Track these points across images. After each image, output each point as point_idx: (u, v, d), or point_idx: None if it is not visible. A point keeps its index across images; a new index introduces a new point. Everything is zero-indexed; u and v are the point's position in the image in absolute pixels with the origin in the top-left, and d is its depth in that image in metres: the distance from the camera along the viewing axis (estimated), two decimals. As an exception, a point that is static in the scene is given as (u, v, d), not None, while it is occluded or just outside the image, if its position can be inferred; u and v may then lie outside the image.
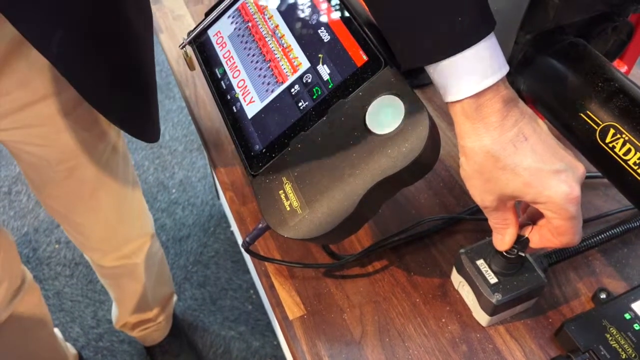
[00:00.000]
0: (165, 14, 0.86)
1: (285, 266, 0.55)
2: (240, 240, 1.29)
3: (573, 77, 0.47)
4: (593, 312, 0.49)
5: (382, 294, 0.54)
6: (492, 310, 0.49)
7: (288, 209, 0.46)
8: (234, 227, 1.36)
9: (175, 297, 1.22)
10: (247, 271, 1.39)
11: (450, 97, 0.39)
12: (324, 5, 0.52)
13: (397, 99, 0.43)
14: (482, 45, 0.37)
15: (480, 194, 0.41)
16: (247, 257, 1.36)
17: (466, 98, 0.38)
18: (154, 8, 0.87)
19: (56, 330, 1.13)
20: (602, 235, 0.54)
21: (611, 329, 0.47)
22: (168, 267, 1.13)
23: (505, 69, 0.39)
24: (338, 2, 0.51)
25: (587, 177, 0.42)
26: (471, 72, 0.37)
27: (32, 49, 0.51)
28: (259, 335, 1.28)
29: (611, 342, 0.46)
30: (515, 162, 0.38)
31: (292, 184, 0.46)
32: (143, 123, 0.68)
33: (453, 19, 0.36)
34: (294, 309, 0.53)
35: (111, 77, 0.61)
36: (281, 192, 0.47)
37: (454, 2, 0.36)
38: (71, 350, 1.20)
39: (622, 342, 0.46)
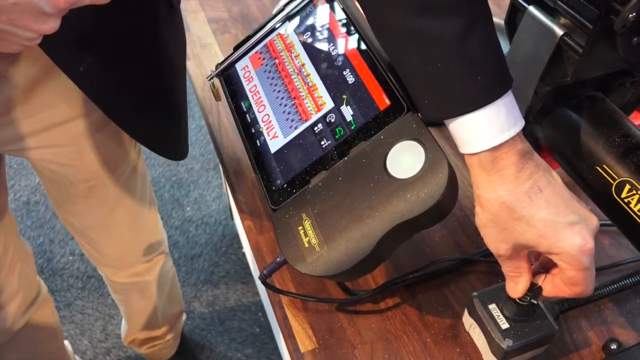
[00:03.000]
0: (193, 41, 0.89)
1: (297, 298, 0.56)
2: (252, 267, 1.31)
3: (590, 130, 0.48)
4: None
5: (394, 331, 0.54)
6: (503, 355, 0.49)
7: (306, 245, 0.47)
8: (249, 253, 1.37)
9: (184, 316, 1.23)
10: (257, 293, 1.40)
11: (466, 150, 0.40)
12: (349, 48, 0.54)
13: (418, 145, 0.45)
14: (499, 102, 0.38)
15: (495, 243, 0.42)
16: (258, 281, 1.37)
17: (483, 151, 0.39)
18: (182, 35, 0.90)
19: (66, 343, 1.15)
20: (615, 285, 0.55)
21: (621, 381, 0.48)
22: (179, 285, 1.15)
23: (521, 123, 0.40)
24: (364, 46, 0.53)
25: (601, 225, 0.42)
26: (488, 127, 0.39)
27: (62, 72, 0.53)
28: (265, 359, 1.28)
29: (621, 395, 0.47)
30: (530, 213, 0.39)
31: (312, 221, 0.48)
32: (172, 143, 0.71)
33: (471, 80, 0.38)
34: (306, 341, 0.54)
35: (142, 101, 0.64)
36: (300, 228, 0.48)
37: (472, 65, 0.38)
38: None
39: (632, 395, 0.47)
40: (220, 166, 1.49)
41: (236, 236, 1.53)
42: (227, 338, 1.32)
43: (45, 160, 0.70)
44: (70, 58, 0.53)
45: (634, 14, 0.40)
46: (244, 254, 1.49)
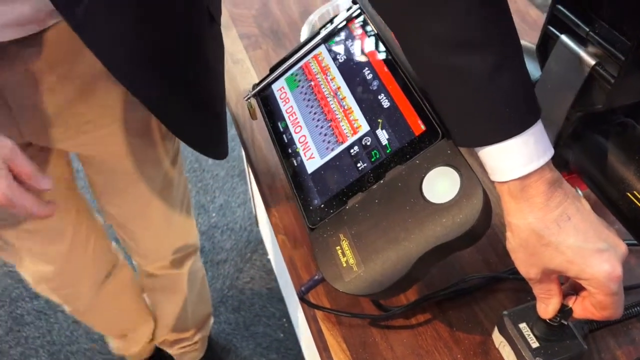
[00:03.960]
0: (225, 58, 0.91)
1: (332, 314, 0.58)
2: (278, 275, 1.33)
3: (621, 156, 0.49)
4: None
5: (425, 347, 0.56)
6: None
7: (344, 265, 0.49)
8: (282, 266, 1.39)
9: (212, 319, 1.27)
10: (281, 300, 1.42)
11: (496, 178, 0.42)
12: (384, 73, 0.56)
13: (453, 171, 0.46)
14: (527, 133, 0.40)
15: (525, 267, 0.44)
16: (282, 287, 1.39)
17: (512, 180, 0.41)
18: (215, 51, 0.93)
19: (145, 296, 1.20)
20: (644, 306, 0.56)
21: (650, 401, 0.49)
22: (208, 287, 1.18)
23: (550, 152, 0.42)
24: (398, 71, 0.55)
25: (629, 245, 0.44)
26: (517, 157, 0.40)
27: (112, 77, 0.56)
28: (289, 364, 1.31)
29: (650, 415, 0.48)
30: (559, 240, 0.41)
31: (349, 241, 0.50)
32: (213, 144, 0.75)
33: (500, 112, 0.40)
34: (340, 355, 0.56)
35: (188, 105, 0.68)
36: (338, 247, 0.50)
37: (501, 98, 0.40)
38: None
39: (661, 416, 0.48)
40: (246, 174, 1.52)
41: (261, 242, 1.56)
42: (252, 343, 1.35)
43: (93, 156, 0.75)
44: (106, 41, 0.55)
45: (666, 48, 0.42)
46: (268, 260, 1.52)
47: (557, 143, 0.55)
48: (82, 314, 1.02)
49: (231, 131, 1.82)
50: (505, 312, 0.53)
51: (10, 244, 0.79)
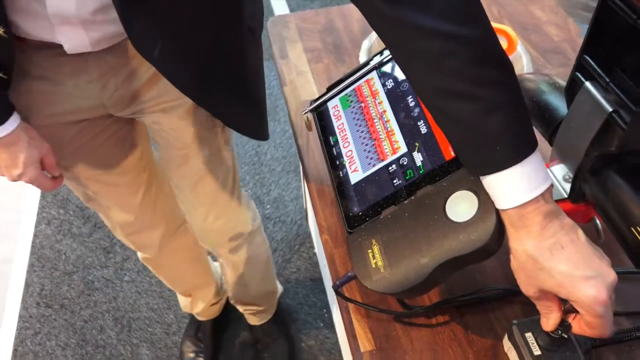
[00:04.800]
0: (290, 68, 1.01)
1: (362, 307, 0.67)
2: (322, 269, 1.43)
3: (630, 194, 0.55)
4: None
5: (441, 344, 0.64)
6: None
7: (374, 266, 0.58)
8: (323, 262, 1.49)
9: (280, 289, 1.42)
10: (323, 291, 1.52)
11: (498, 206, 0.49)
12: (425, 102, 0.64)
13: (473, 195, 0.54)
14: (519, 167, 0.47)
15: (524, 286, 0.51)
16: (325, 281, 1.49)
17: (510, 208, 0.48)
18: (281, 62, 1.03)
19: (215, 264, 1.37)
20: (646, 331, 0.61)
21: (637, 414, 0.55)
22: (273, 268, 1.31)
23: (546, 185, 0.48)
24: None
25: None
26: (514, 187, 0.48)
27: None
28: (326, 352, 1.40)
29: None
30: (551, 266, 0.48)
31: (380, 247, 0.58)
32: (255, 127, 0.88)
33: (489, 149, 0.48)
34: (365, 343, 0.65)
35: (235, 100, 0.82)
36: (370, 251, 0.59)
37: (491, 138, 0.48)
38: (218, 274, 1.41)
39: None
40: (300, 172, 1.63)
41: (309, 236, 1.66)
42: (294, 328, 1.46)
43: (160, 129, 0.88)
44: (181, 74, 0.73)
45: (671, 105, 0.47)
46: (314, 254, 1.62)
47: (577, 176, 0.61)
48: (150, 261, 1.17)
49: (289, 130, 1.93)
50: (515, 322, 0.60)
51: (95, 194, 0.95)
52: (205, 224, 1.04)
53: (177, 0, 0.66)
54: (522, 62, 0.95)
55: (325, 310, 1.49)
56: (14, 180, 0.77)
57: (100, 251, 1.69)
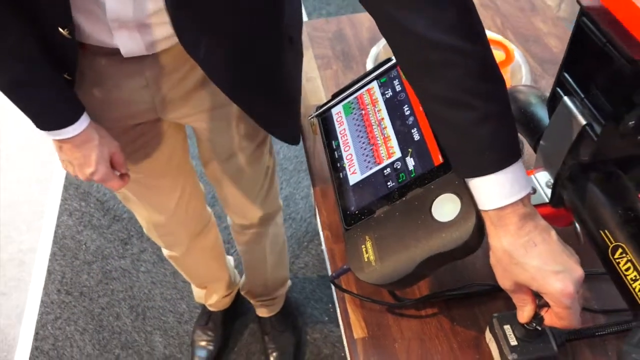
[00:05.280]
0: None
1: (357, 298, 0.73)
2: (329, 269, 1.50)
3: (602, 200, 0.60)
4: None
5: (428, 334, 0.70)
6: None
7: (366, 260, 0.64)
8: (326, 257, 1.55)
9: (289, 282, 1.48)
10: (329, 287, 1.58)
11: (480, 207, 0.55)
12: (419, 111, 0.69)
13: (457, 198, 0.60)
14: (503, 173, 0.53)
15: (501, 280, 0.57)
16: (331, 275, 1.55)
17: (491, 210, 0.54)
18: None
19: (229, 258, 1.46)
20: (617, 327, 0.66)
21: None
22: (287, 255, 1.38)
23: (525, 191, 0.54)
24: (430, 111, 0.68)
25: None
26: (496, 191, 0.53)
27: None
28: (330, 345, 1.47)
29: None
30: (525, 261, 0.53)
31: (372, 242, 0.64)
32: (287, 129, 0.92)
33: (479, 155, 0.53)
34: (359, 330, 0.71)
35: (272, 103, 0.86)
36: (363, 246, 0.65)
37: (481, 144, 0.53)
38: (236, 274, 1.51)
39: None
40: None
41: (317, 233, 1.72)
42: (300, 322, 1.52)
43: (204, 128, 0.93)
44: (222, 74, 0.77)
45: (634, 121, 0.53)
46: (322, 250, 1.68)
47: (556, 183, 0.66)
48: (176, 259, 1.24)
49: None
50: (495, 315, 0.66)
51: (135, 196, 1.01)
52: (244, 203, 1.10)
53: (221, 6, 0.70)
54: (521, 71, 1.00)
55: (330, 305, 1.55)
56: (87, 179, 0.81)
57: (119, 242, 1.77)
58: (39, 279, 1.70)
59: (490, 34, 1.04)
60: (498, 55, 0.97)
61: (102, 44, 0.72)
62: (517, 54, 1.01)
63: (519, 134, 0.73)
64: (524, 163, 0.76)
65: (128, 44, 0.71)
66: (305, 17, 2.50)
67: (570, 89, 0.61)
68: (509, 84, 1.00)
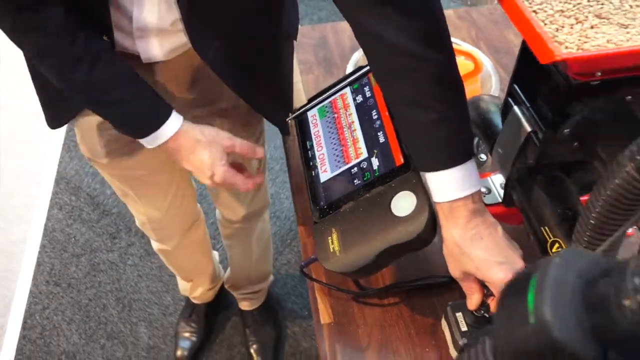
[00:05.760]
0: (283, 78, 1.13)
1: (326, 287, 0.79)
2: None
3: (545, 200, 0.66)
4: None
5: (389, 320, 0.75)
6: (459, 349, 0.69)
7: (331, 250, 0.69)
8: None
9: (271, 277, 1.53)
10: (310, 283, 1.64)
11: (434, 199, 0.61)
12: (386, 116, 0.75)
13: (413, 195, 0.66)
14: (456, 169, 0.59)
15: (452, 269, 0.63)
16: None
17: (444, 202, 0.60)
18: (276, 72, 1.15)
19: (214, 253, 1.50)
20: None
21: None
22: (272, 250, 1.43)
23: (475, 188, 0.60)
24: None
25: None
26: (449, 185, 0.60)
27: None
28: (309, 338, 1.52)
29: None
30: (470, 251, 0.59)
31: (337, 234, 0.70)
32: (281, 119, 0.95)
33: (435, 151, 0.60)
34: (326, 317, 0.77)
35: (268, 93, 0.91)
36: (330, 238, 0.71)
37: (437, 143, 0.60)
38: (221, 269, 1.56)
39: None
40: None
41: (301, 232, 1.78)
42: (280, 316, 1.58)
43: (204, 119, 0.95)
44: (228, 71, 0.82)
45: (568, 129, 0.59)
46: (305, 248, 1.74)
47: (507, 184, 0.73)
48: (166, 252, 1.29)
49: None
50: (449, 303, 0.72)
51: (133, 193, 1.05)
52: (234, 197, 1.16)
53: (229, 11, 0.75)
54: (491, 81, 1.07)
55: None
56: (213, 185, 0.79)
57: (107, 236, 1.82)
58: (28, 270, 1.74)
59: (463, 45, 1.10)
60: (467, 65, 1.03)
61: (125, 49, 0.77)
62: (489, 65, 1.08)
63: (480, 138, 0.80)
64: (485, 167, 0.83)
65: (148, 50, 0.77)
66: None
67: (519, 99, 0.67)
68: (479, 92, 1.06)
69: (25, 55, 0.76)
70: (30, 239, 1.83)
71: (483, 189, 0.79)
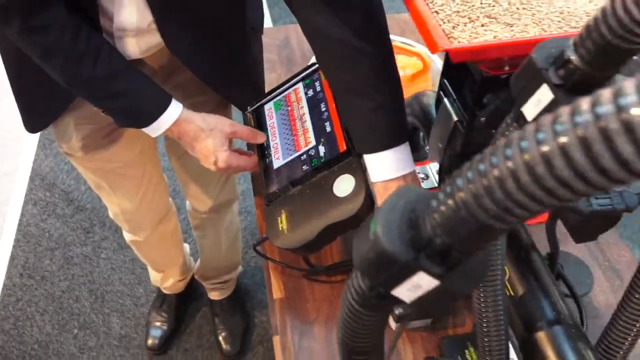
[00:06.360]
0: (247, 76, 1.20)
1: (279, 265, 0.86)
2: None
3: (470, 183, 0.74)
4: (471, 333, 0.75)
5: (337, 295, 0.82)
6: (396, 319, 0.76)
7: (280, 229, 0.76)
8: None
9: (240, 268, 1.59)
10: (278, 274, 1.71)
11: (371, 179, 0.69)
12: (332, 108, 0.83)
13: (352, 178, 0.73)
14: (390, 152, 0.66)
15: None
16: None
17: (379, 182, 0.67)
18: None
19: (185, 245, 1.55)
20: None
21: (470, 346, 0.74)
22: (240, 242, 1.48)
23: (408, 170, 0.68)
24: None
25: None
26: (385, 165, 0.67)
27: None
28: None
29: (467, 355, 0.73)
30: None
31: (286, 215, 0.77)
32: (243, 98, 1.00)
33: (372, 135, 0.67)
34: (278, 293, 0.83)
35: (239, 82, 0.96)
36: (279, 218, 0.78)
37: (375, 128, 0.68)
38: (191, 260, 1.60)
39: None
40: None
41: (270, 226, 1.84)
42: (249, 306, 1.64)
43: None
44: (197, 65, 0.88)
45: (484, 118, 0.67)
46: (274, 242, 1.80)
47: (440, 170, 0.80)
48: (138, 243, 1.33)
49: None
50: (389, 278, 0.79)
51: (107, 185, 1.09)
52: (202, 190, 1.21)
53: (198, 10, 0.80)
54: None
55: (279, 292, 1.67)
56: (218, 170, 0.83)
57: (81, 231, 1.86)
58: (2, 264, 1.78)
59: (416, 47, 1.18)
60: (417, 65, 1.11)
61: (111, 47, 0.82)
62: (439, 64, 1.16)
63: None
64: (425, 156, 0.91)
65: (126, 49, 0.82)
66: (270, 24, 2.64)
67: (448, 92, 0.75)
68: (429, 88, 1.14)
69: (12, 58, 0.81)
70: (5, 234, 1.87)
71: (422, 175, 0.87)
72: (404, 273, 0.28)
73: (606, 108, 0.18)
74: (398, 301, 0.31)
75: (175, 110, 0.81)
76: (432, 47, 0.50)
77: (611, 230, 0.93)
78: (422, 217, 0.27)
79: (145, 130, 0.82)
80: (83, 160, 1.02)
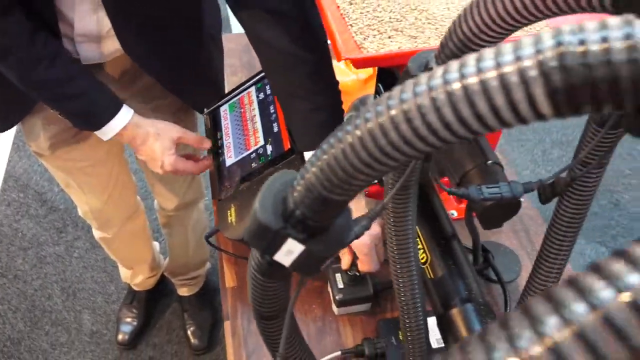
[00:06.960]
0: (210, 80, 1.26)
1: (230, 256, 0.92)
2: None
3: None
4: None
5: (284, 284, 0.89)
6: (337, 304, 0.83)
7: (229, 221, 0.83)
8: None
9: (208, 264, 1.64)
10: (246, 271, 1.76)
11: None
12: (280, 110, 0.89)
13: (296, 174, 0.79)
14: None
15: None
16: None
17: None
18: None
19: (155, 244, 1.59)
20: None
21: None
22: None
23: None
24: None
25: None
26: None
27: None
28: (243, 321, 1.65)
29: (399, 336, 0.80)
30: None
31: (235, 208, 0.83)
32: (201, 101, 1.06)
33: (313, 133, 0.74)
34: (230, 281, 0.89)
35: (199, 85, 1.02)
36: (229, 211, 0.84)
37: (312, 126, 0.74)
38: (161, 258, 1.64)
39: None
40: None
41: (240, 225, 1.90)
42: (217, 301, 1.69)
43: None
44: (156, 70, 0.93)
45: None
46: (243, 240, 1.86)
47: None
48: (107, 240, 1.38)
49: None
50: (332, 267, 0.86)
51: (75, 183, 1.14)
52: (169, 188, 1.27)
53: (153, 16, 0.85)
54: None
55: (247, 288, 1.73)
56: (164, 172, 0.88)
57: (54, 231, 1.90)
58: (-25, 263, 1.81)
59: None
60: (368, 69, 1.18)
61: (66, 53, 0.86)
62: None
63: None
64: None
65: (87, 53, 0.87)
66: (238, 31, 2.69)
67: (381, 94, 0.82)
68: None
69: None
70: (-22, 234, 1.90)
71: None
72: (278, 240, 0.34)
73: (434, 81, 0.24)
74: (282, 266, 0.37)
75: (125, 115, 0.86)
76: (337, 56, 0.57)
77: (540, 222, 1.01)
78: (289, 194, 0.34)
79: (96, 133, 0.87)
80: (51, 159, 1.07)
